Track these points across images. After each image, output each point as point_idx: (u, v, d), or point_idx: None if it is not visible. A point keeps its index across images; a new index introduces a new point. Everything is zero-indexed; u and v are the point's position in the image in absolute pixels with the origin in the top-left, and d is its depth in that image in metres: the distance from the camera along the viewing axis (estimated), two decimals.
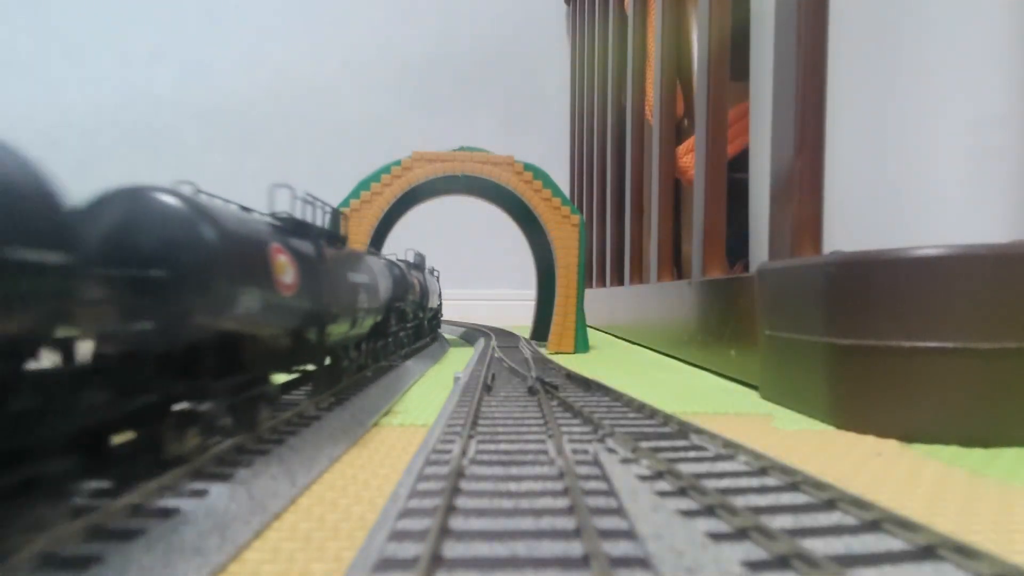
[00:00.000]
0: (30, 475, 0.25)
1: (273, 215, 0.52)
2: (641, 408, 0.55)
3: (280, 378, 0.57)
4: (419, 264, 1.33)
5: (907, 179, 0.77)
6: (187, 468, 0.35)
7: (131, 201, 0.36)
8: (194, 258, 0.36)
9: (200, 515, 0.30)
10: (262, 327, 0.46)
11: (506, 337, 1.42)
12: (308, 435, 0.48)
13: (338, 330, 0.63)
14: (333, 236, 0.64)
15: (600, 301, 1.99)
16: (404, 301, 1.03)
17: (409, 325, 1.13)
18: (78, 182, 0.30)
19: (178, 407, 0.36)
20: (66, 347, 0.29)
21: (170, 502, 0.32)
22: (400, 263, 1.11)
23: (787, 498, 0.32)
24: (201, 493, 0.33)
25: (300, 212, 0.56)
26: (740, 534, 0.27)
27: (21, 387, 0.26)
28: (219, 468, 0.38)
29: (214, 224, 0.38)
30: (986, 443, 0.51)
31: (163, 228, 0.36)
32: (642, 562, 0.24)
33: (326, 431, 0.50)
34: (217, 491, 0.33)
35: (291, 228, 0.53)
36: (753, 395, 0.77)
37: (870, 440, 0.53)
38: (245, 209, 0.47)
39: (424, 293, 1.26)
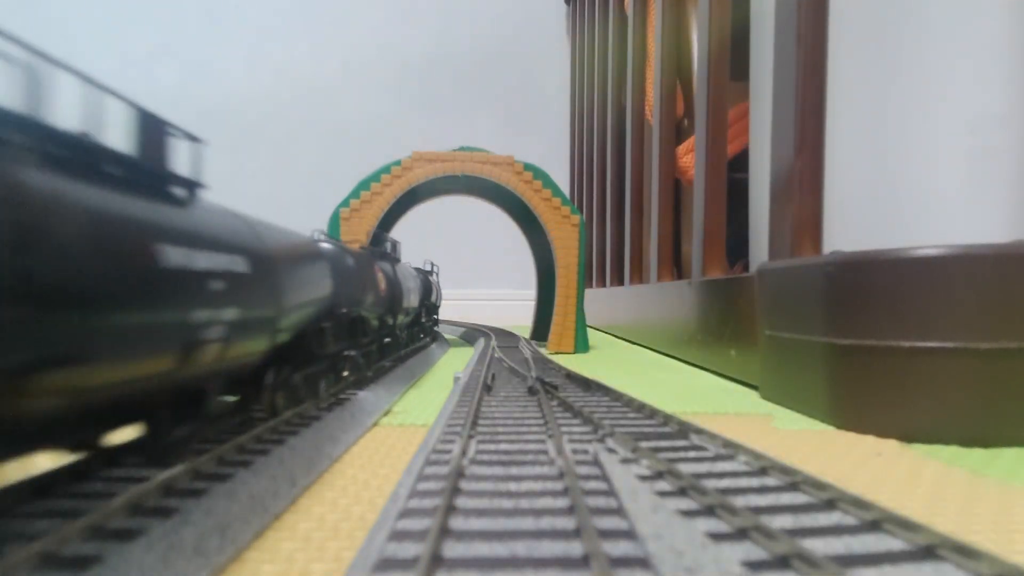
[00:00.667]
0: (316, 370, 0.60)
1: (364, 247, 0.89)
2: (641, 408, 0.55)
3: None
4: (435, 272, 1.61)
5: (907, 179, 0.77)
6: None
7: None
8: (344, 276, 0.66)
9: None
10: (371, 314, 0.80)
11: (506, 337, 1.42)
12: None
13: (400, 318, 1.01)
14: (396, 259, 1.07)
15: (600, 301, 1.99)
16: (428, 300, 1.37)
17: (431, 317, 1.52)
18: None
19: (347, 353, 0.69)
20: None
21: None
22: (423, 271, 1.41)
23: (787, 498, 0.32)
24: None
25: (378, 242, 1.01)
26: (740, 534, 0.27)
27: (318, 334, 0.60)
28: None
29: (352, 256, 0.72)
30: (986, 443, 0.51)
31: (327, 260, 0.62)
32: (642, 562, 0.24)
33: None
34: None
35: (379, 255, 0.92)
36: (753, 395, 0.77)
37: (870, 440, 0.53)
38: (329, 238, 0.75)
39: (437, 295, 1.59)
